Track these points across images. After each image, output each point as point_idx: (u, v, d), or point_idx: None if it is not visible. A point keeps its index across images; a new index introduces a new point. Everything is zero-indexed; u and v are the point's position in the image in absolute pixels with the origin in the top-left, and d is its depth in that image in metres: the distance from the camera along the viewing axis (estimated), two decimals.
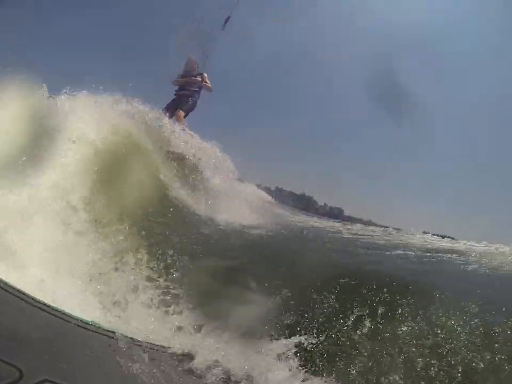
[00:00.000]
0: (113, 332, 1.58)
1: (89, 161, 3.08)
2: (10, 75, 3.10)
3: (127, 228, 2.80)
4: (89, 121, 3.39)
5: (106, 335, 1.53)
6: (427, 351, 1.65)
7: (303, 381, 1.62)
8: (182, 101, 5.51)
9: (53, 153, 2.94)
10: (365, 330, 1.81)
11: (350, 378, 1.63)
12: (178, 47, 5.88)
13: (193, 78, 5.54)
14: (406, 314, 1.84)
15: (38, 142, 2.91)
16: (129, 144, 3.54)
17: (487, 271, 2.50)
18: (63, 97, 3.68)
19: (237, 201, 4.35)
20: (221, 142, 5.18)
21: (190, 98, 5.54)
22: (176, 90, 5.64)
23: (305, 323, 1.91)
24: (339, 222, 6.45)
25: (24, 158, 2.69)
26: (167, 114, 5.13)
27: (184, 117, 5.40)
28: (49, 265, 2.09)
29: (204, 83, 5.56)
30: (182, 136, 4.81)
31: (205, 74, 5.64)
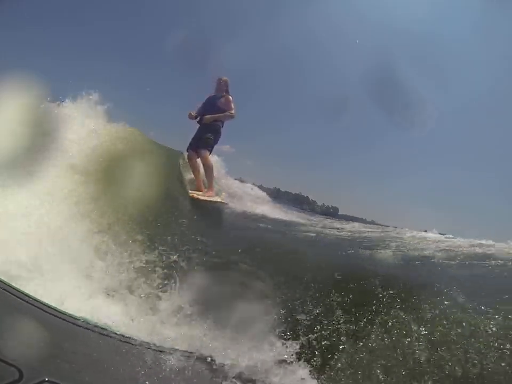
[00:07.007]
0: (115, 332, 1.58)
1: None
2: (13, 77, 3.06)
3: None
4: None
5: (107, 335, 1.53)
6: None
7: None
8: (206, 136, 4.95)
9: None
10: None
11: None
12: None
13: (224, 114, 4.96)
14: None
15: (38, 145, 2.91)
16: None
17: None
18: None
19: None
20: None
21: (216, 133, 5.00)
22: (198, 121, 5.12)
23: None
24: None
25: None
26: (191, 155, 4.92)
27: (210, 154, 5.03)
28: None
29: (229, 113, 4.98)
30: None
31: (230, 97, 5.06)
